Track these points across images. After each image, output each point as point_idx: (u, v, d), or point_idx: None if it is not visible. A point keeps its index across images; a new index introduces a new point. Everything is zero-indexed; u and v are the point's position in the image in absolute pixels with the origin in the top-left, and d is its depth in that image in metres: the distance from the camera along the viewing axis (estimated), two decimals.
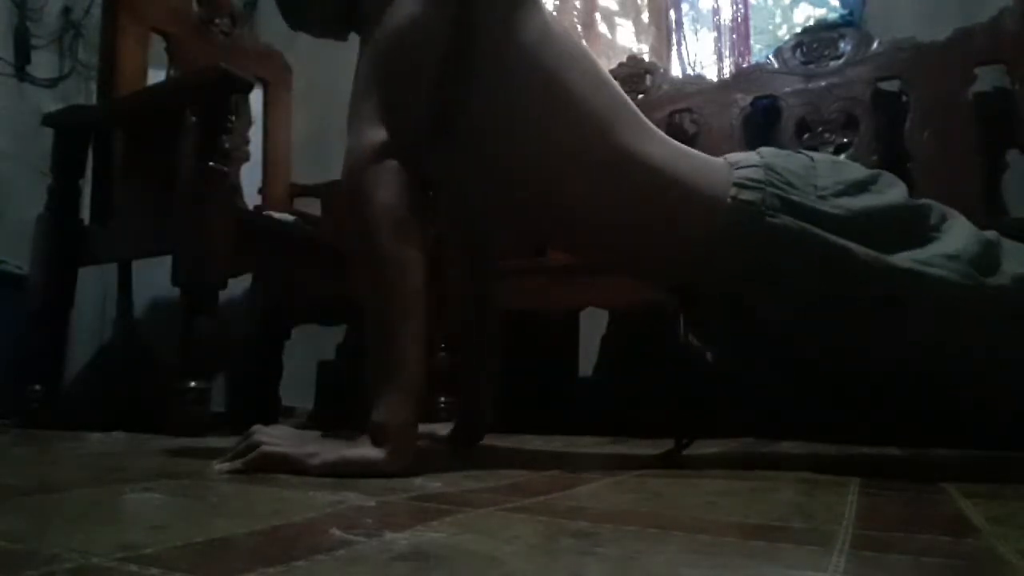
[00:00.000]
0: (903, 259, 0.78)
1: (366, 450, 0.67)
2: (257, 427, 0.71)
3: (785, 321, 0.84)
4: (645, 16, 2.26)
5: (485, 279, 1.05)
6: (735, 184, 0.80)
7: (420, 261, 0.71)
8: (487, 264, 1.06)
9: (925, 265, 0.77)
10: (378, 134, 0.72)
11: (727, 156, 0.88)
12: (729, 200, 0.80)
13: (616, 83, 0.87)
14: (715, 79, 1.95)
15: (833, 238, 0.78)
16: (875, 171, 0.87)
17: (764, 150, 0.88)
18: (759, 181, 0.80)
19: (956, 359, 0.81)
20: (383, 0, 0.76)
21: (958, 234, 0.81)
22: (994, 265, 0.79)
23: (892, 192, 0.83)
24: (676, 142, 0.87)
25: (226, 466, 0.67)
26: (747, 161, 0.84)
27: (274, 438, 0.69)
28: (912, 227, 0.81)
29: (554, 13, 2.34)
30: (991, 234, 0.83)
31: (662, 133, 0.87)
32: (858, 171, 0.86)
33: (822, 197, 0.80)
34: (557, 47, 0.82)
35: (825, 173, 0.83)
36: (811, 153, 0.90)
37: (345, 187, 0.74)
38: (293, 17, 0.93)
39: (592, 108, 0.81)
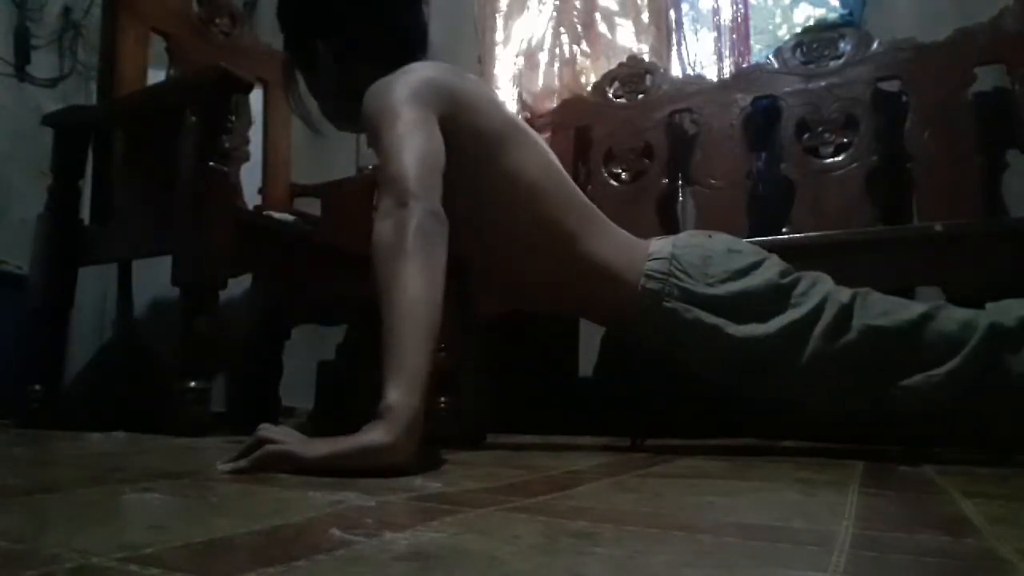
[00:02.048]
0: (770, 326, 0.98)
1: (374, 434, 0.67)
2: (265, 425, 0.71)
3: (695, 372, 1.09)
4: (645, 16, 2.25)
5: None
6: (645, 274, 1.04)
7: (442, 259, 0.79)
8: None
9: (782, 331, 0.97)
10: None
11: (652, 242, 1.09)
12: (640, 288, 1.04)
13: (570, 182, 1.09)
14: (715, 79, 1.95)
15: (711, 318, 1.00)
16: (762, 257, 1.07)
17: (680, 240, 1.09)
18: (663, 272, 1.03)
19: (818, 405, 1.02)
20: (373, 136, 0.90)
21: (816, 300, 0.99)
22: (846, 320, 0.96)
23: (768, 273, 1.03)
24: (616, 232, 1.09)
25: (228, 466, 0.67)
26: (659, 253, 1.05)
27: (280, 436, 0.69)
28: (779, 299, 1.01)
29: (554, 13, 2.35)
30: (862, 291, 0.99)
31: (608, 227, 1.08)
32: (745, 259, 1.05)
33: (710, 284, 1.02)
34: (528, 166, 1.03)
35: (718, 263, 1.04)
36: (716, 242, 1.09)
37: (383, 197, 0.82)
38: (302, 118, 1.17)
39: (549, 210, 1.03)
